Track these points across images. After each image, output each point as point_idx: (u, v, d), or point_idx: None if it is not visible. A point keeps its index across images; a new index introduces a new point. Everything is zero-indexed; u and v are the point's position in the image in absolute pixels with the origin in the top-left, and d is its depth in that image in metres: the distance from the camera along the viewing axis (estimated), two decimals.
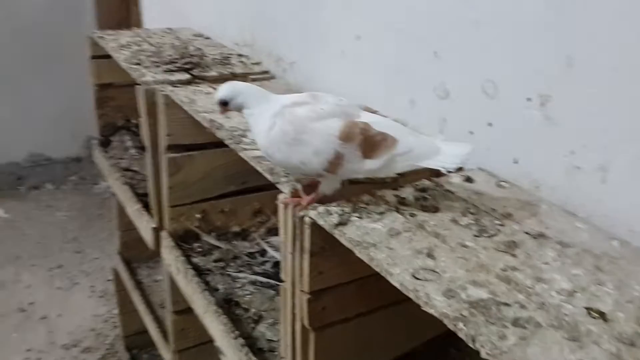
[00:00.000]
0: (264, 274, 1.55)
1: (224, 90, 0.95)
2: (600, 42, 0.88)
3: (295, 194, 0.94)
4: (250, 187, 1.68)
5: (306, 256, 0.91)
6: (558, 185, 0.98)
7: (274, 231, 1.74)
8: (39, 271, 3.28)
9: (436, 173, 1.08)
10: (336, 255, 0.93)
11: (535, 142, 1.01)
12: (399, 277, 0.73)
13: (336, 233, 0.83)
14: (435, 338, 1.14)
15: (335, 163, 0.86)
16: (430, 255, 0.78)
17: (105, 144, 2.19)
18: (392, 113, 1.32)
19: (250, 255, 1.64)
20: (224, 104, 0.95)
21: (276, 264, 1.59)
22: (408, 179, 1.04)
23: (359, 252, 0.79)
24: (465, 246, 0.81)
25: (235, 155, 1.15)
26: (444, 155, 0.88)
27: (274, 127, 0.89)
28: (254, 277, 1.52)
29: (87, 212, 3.92)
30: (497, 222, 0.88)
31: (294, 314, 0.98)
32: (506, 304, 0.69)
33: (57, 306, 3.01)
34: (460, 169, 1.09)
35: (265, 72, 1.65)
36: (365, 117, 0.91)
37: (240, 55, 1.79)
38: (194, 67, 1.57)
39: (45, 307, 2.99)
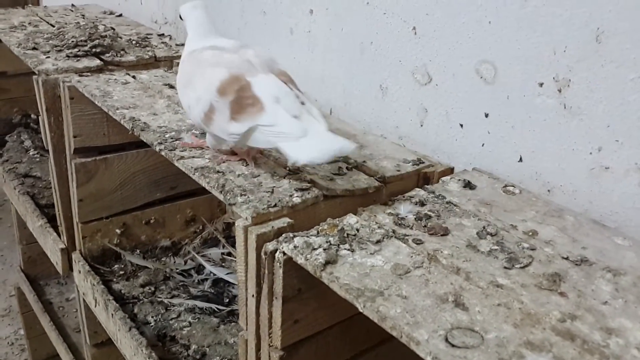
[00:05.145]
0: (202, 297, 1.29)
1: (182, 8, 0.90)
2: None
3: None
4: (181, 192, 1.42)
5: (277, 303, 0.68)
6: (579, 189, 0.80)
7: (210, 242, 1.49)
8: None
9: (424, 177, 0.88)
10: (316, 296, 0.71)
11: (548, 136, 0.82)
12: (429, 345, 0.51)
13: (325, 277, 0.60)
14: None
15: (209, 116, 0.78)
16: (459, 303, 0.57)
17: None
18: (358, 102, 1.10)
19: (185, 273, 1.38)
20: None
21: (216, 282, 1.35)
22: (395, 189, 0.83)
23: (362, 306, 0.56)
24: (499, 286, 0.60)
25: (161, 156, 0.89)
26: (307, 145, 0.71)
27: (182, 65, 0.86)
28: (191, 302, 1.27)
29: None
30: (525, 244, 0.68)
31: None
32: None
33: None
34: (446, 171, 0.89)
35: None
36: (261, 79, 0.77)
37: (161, 35, 1.50)
38: (105, 50, 1.28)
39: None
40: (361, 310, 0.56)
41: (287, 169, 0.83)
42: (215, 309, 1.25)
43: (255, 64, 0.79)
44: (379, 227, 0.69)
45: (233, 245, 1.47)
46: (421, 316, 0.54)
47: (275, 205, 0.72)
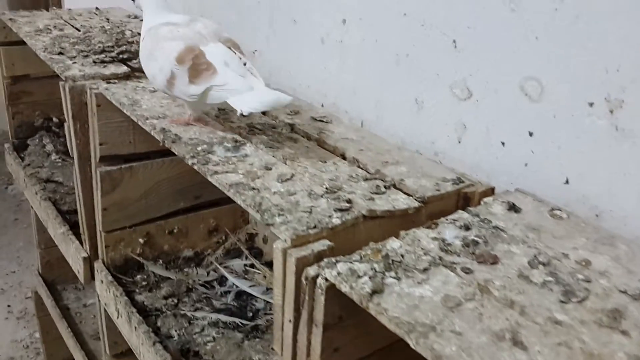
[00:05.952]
0: (226, 311, 1.27)
1: None
2: None
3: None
4: (204, 202, 1.39)
5: (318, 331, 0.65)
6: (630, 215, 0.76)
7: (233, 253, 1.46)
8: None
9: (464, 197, 0.85)
10: (356, 324, 0.68)
11: (598, 158, 0.78)
12: None
13: (372, 308, 0.57)
14: None
15: (171, 82, 0.92)
16: (517, 341, 0.53)
17: (20, 148, 1.82)
18: (391, 115, 1.07)
19: (208, 285, 1.36)
20: None
21: (239, 295, 1.32)
22: (434, 209, 0.80)
23: (414, 343, 0.53)
24: (557, 322, 0.56)
25: (186, 165, 0.87)
26: (250, 98, 0.86)
27: (143, 41, 0.99)
28: (214, 315, 1.24)
29: (0, 217, 3.46)
30: (580, 276, 0.64)
31: None
32: None
33: None
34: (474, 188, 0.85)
35: None
36: (211, 48, 0.91)
37: None
38: (132, 57, 1.25)
39: None
40: (414, 347, 0.53)
41: (324, 187, 0.80)
42: (239, 323, 1.22)
43: (205, 34, 0.94)
44: (424, 254, 0.66)
45: (256, 256, 1.45)
46: (478, 355, 0.51)
47: (314, 227, 0.69)
